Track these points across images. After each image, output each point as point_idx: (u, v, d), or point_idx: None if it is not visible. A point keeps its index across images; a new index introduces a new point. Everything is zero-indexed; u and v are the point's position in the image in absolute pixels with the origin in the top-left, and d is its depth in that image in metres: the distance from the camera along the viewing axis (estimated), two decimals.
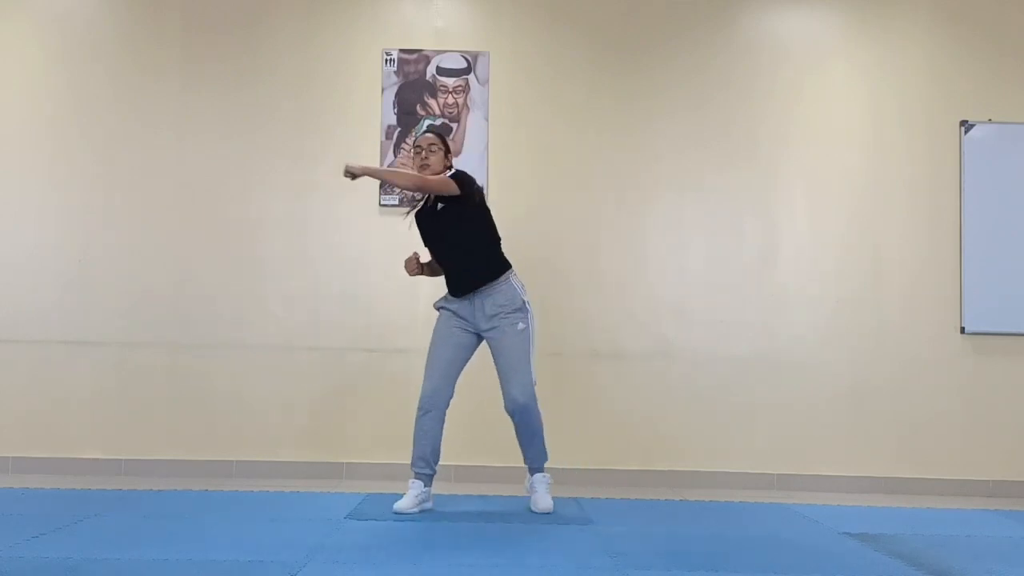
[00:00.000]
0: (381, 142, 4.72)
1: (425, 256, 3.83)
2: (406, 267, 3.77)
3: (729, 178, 4.79)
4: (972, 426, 4.70)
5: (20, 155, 4.70)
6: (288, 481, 4.44)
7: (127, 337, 4.65)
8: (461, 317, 3.68)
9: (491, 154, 4.72)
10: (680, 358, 4.73)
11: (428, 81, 4.76)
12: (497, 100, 4.76)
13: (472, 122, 4.72)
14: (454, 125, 4.70)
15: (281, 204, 4.73)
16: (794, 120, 4.82)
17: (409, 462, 3.68)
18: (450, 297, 3.73)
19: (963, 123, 4.78)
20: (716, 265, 4.77)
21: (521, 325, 3.63)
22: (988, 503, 4.41)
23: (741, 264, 4.77)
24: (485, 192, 4.17)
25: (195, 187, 4.71)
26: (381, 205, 4.71)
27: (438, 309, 3.77)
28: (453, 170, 3.66)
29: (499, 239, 3.75)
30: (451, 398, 3.67)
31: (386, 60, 4.76)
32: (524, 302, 3.67)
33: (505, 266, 3.70)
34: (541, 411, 3.66)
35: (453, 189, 3.56)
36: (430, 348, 3.71)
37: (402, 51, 4.77)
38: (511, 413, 3.62)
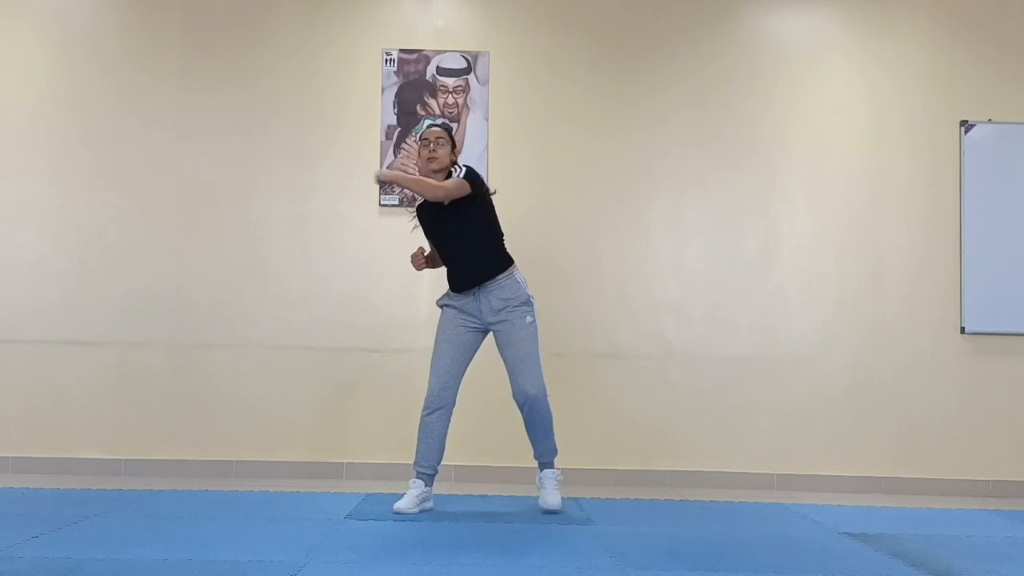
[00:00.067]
0: (381, 142, 4.73)
1: (427, 249, 3.84)
2: (412, 262, 3.78)
3: (729, 177, 4.79)
4: (972, 426, 4.70)
5: (20, 155, 4.70)
6: (288, 481, 4.44)
7: (127, 337, 4.66)
8: (467, 313, 3.68)
9: (491, 154, 4.72)
10: (680, 358, 4.73)
11: (428, 81, 4.76)
12: (497, 100, 4.76)
13: (472, 122, 4.72)
14: (454, 125, 4.70)
15: (281, 204, 4.73)
16: (794, 120, 4.82)
17: (411, 462, 3.68)
18: (453, 294, 3.72)
19: (963, 123, 4.78)
20: (716, 265, 4.77)
21: (529, 318, 3.64)
22: (988, 503, 4.41)
23: (741, 264, 4.77)
24: None
25: (195, 187, 4.71)
26: (381, 205, 4.71)
27: (441, 307, 3.76)
28: (463, 169, 3.64)
29: (503, 234, 3.75)
30: (457, 397, 3.67)
31: (386, 60, 4.77)
32: (529, 296, 3.68)
33: (509, 261, 3.71)
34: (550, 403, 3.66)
35: (467, 190, 3.58)
36: (435, 347, 3.70)
37: (402, 51, 4.77)
38: (521, 405, 3.62)
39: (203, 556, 2.77)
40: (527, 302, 3.66)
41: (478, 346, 3.73)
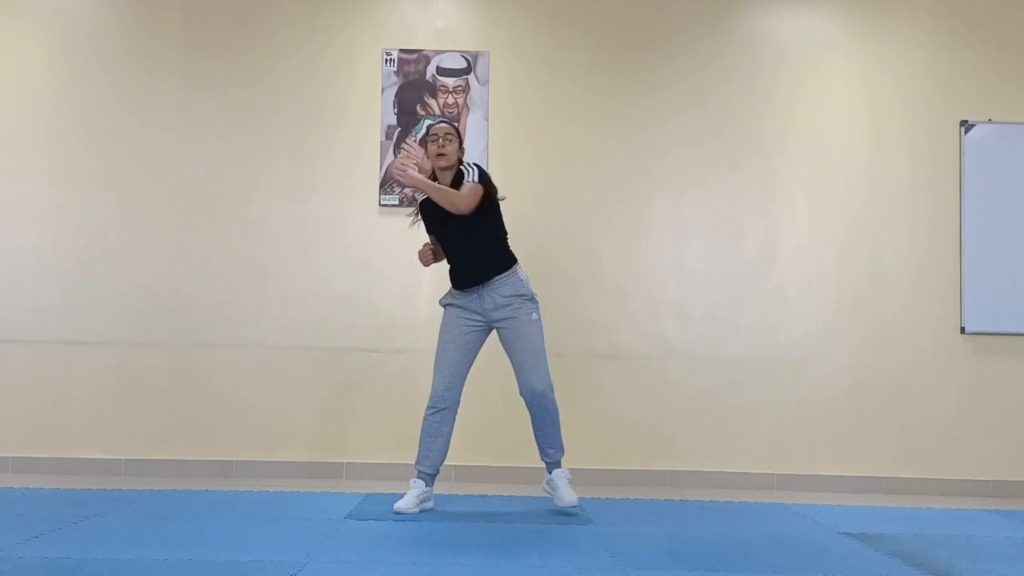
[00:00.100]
0: (381, 142, 4.73)
1: (431, 244, 3.82)
2: (420, 258, 3.76)
3: (729, 177, 4.79)
4: (972, 426, 4.70)
5: (20, 155, 4.70)
6: (288, 481, 4.44)
7: (127, 337, 4.66)
8: (471, 311, 3.67)
9: (491, 154, 4.72)
10: (680, 358, 4.73)
11: (428, 81, 4.76)
12: (497, 100, 4.76)
13: (472, 122, 4.72)
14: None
15: (281, 204, 4.73)
16: (794, 120, 4.82)
17: (411, 462, 3.68)
18: (456, 292, 3.72)
19: (963, 123, 4.79)
20: (716, 265, 4.77)
21: (535, 315, 3.64)
22: (988, 503, 4.41)
23: (741, 264, 4.77)
24: None
25: (195, 187, 4.71)
26: (381, 205, 4.71)
27: (445, 306, 3.76)
28: (474, 170, 3.63)
29: (507, 233, 3.75)
30: (461, 397, 3.67)
31: (386, 60, 4.77)
32: (533, 293, 3.68)
33: (513, 260, 3.71)
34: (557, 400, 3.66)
35: (480, 193, 3.59)
36: (439, 347, 3.70)
37: (402, 51, 4.77)
38: (529, 403, 3.62)
39: (203, 556, 2.77)
40: (532, 299, 3.66)
41: (481, 345, 3.73)
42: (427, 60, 4.76)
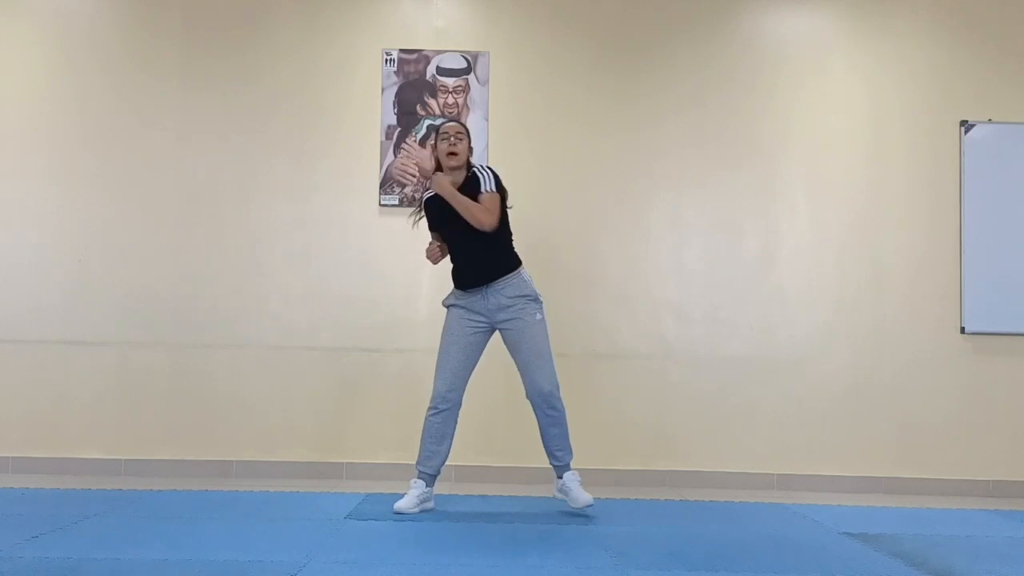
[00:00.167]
0: (381, 142, 4.72)
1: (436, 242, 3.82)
2: (429, 256, 3.74)
3: (729, 177, 4.79)
4: (972, 426, 4.70)
5: (20, 155, 4.70)
6: (288, 481, 4.44)
7: (127, 337, 4.66)
8: (474, 312, 3.66)
9: (491, 154, 4.71)
10: (680, 358, 4.73)
11: (428, 81, 4.76)
12: (497, 100, 4.76)
13: (472, 122, 4.72)
14: None
15: (281, 204, 4.73)
16: (794, 120, 4.82)
17: (411, 462, 3.68)
18: (459, 293, 3.71)
19: (963, 123, 4.79)
20: (716, 265, 4.77)
21: (539, 316, 3.64)
22: (988, 503, 4.41)
23: (741, 264, 4.77)
24: None
25: (195, 187, 4.71)
26: (381, 205, 4.71)
27: (448, 307, 3.75)
28: (488, 177, 3.63)
29: (512, 234, 3.75)
30: (463, 398, 3.67)
31: (386, 60, 4.77)
32: (537, 294, 3.67)
33: (517, 261, 3.71)
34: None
35: (499, 204, 3.61)
36: (441, 347, 3.70)
37: (402, 51, 4.77)
38: (537, 404, 3.61)
39: (203, 556, 2.77)
40: (536, 299, 3.66)
41: (484, 347, 3.73)
42: (427, 60, 4.76)
